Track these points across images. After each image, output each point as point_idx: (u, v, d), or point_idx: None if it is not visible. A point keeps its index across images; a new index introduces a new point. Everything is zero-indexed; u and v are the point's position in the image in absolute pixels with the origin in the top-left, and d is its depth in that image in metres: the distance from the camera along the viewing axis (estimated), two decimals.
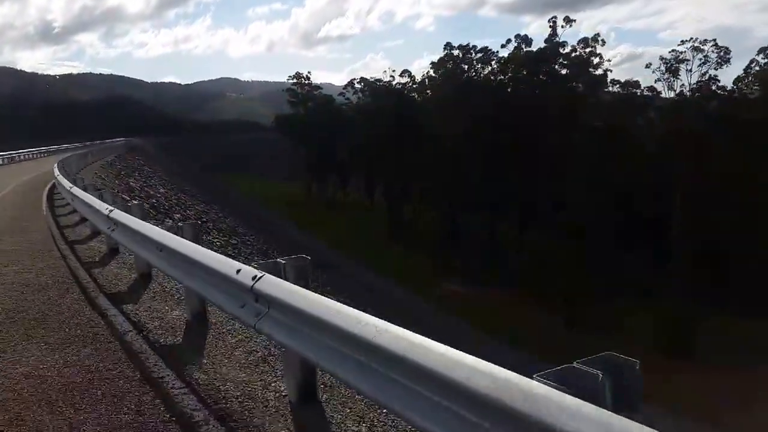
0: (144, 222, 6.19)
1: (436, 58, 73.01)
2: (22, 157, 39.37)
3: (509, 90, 62.33)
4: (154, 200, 28.32)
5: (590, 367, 1.77)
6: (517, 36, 64.90)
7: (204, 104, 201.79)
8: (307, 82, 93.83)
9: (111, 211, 6.70)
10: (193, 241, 5.09)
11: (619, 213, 49.93)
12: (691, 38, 52.08)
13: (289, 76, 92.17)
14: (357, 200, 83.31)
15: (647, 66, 53.59)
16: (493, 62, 64.85)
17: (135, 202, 8.20)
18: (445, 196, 61.25)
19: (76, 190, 9.45)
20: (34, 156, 42.27)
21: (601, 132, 52.75)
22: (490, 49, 62.96)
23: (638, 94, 57.62)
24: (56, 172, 15.44)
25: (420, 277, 49.75)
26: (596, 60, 55.33)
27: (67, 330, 5.24)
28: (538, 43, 61.84)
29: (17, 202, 15.89)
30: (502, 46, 65.71)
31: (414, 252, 56.35)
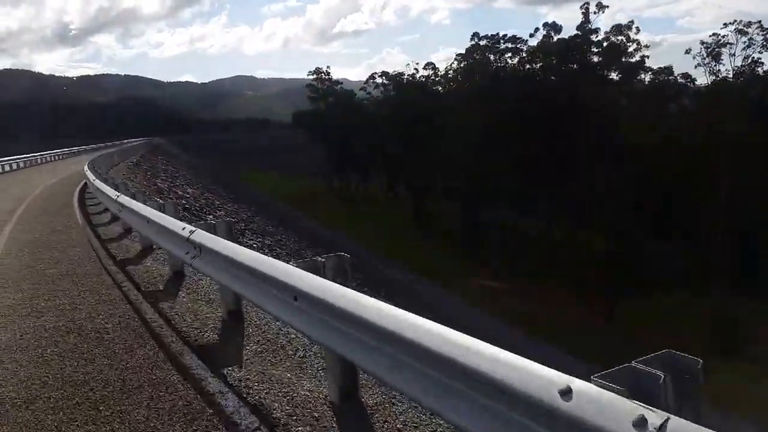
0: (237, 246, 4.62)
1: (452, 52, 71.72)
2: (40, 161, 38.23)
3: (538, 79, 60.16)
4: (184, 201, 27.25)
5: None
6: (546, 24, 62.81)
7: (221, 103, 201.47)
8: (327, 77, 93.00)
9: (192, 232, 5.13)
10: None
11: (656, 204, 47.87)
12: (735, 21, 49.40)
13: (309, 72, 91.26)
14: (379, 195, 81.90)
15: (687, 51, 51.10)
16: (522, 52, 62.75)
17: (213, 218, 6.62)
18: (471, 189, 59.51)
19: (143, 208, 7.72)
20: (54, 158, 41.21)
21: (635, 120, 50.56)
22: (520, 38, 60.73)
23: (672, 81, 55.28)
24: (91, 176, 13.98)
25: (449, 271, 48.15)
26: (632, 47, 52.94)
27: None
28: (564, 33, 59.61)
29: (48, 209, 14.52)
30: (531, 35, 63.61)
31: (441, 246, 54.76)
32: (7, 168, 30.91)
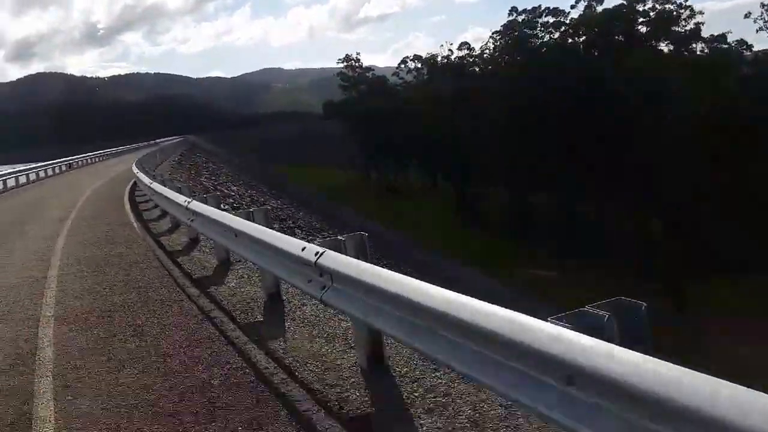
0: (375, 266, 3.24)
1: (481, 31, 69.57)
2: (80, 163, 37.69)
3: (581, 54, 57.34)
4: (231, 199, 26.52)
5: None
6: None
7: (251, 96, 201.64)
8: (357, 64, 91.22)
9: (319, 253, 3.75)
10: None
11: (716, 184, 44.99)
12: None
13: (339, 60, 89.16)
14: (418, 184, 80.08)
15: (746, 16, 47.88)
16: (562, 27, 59.92)
17: (318, 241, 5.37)
18: (517, 173, 57.28)
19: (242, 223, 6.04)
20: (94, 160, 40.71)
21: (689, 93, 47.62)
22: (561, 10, 57.92)
23: (729, 48, 51.98)
24: (146, 179, 12.73)
25: (498, 260, 46.30)
26: (686, 13, 49.81)
27: None
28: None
29: (100, 214, 13.42)
30: (572, 6, 60.67)
31: (487, 234, 52.91)
32: (50, 172, 30.33)
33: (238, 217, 5.97)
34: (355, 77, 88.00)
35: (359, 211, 60.46)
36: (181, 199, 7.92)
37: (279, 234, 4.93)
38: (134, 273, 7.47)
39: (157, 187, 10.22)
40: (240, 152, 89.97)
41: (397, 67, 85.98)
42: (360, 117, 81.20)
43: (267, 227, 5.49)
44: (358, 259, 3.70)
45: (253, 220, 5.85)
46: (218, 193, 25.20)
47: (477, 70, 72.80)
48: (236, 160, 70.42)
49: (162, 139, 61.71)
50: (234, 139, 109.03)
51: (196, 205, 7.23)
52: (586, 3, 57.34)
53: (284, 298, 5.96)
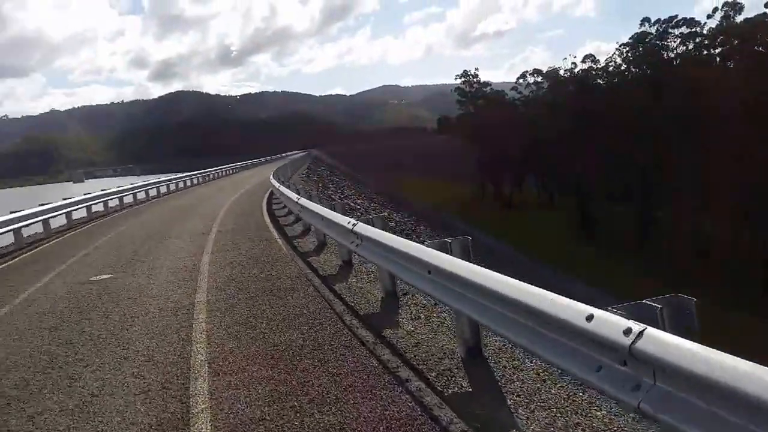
0: None
1: (599, 45, 65.38)
2: (212, 176, 39.10)
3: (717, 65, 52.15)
4: (358, 213, 25.99)
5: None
6: (726, 3, 54.47)
7: (369, 113, 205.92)
8: (475, 79, 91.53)
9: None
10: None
11: None
12: None
13: (456, 75, 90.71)
14: (536, 199, 76.57)
15: None
16: (697, 38, 54.99)
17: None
18: (644, 189, 52.73)
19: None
20: (227, 172, 42.18)
21: None
22: (697, 21, 53.24)
23: None
24: (292, 194, 11.91)
25: (630, 284, 42.00)
26: None
27: None
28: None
29: (242, 230, 12.89)
30: (709, 16, 55.76)
31: (612, 253, 48.51)
32: (188, 183, 31.48)
33: (430, 249, 4.65)
34: (472, 92, 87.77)
35: (473, 224, 58.43)
36: (343, 220, 6.79)
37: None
38: (291, 303, 6.40)
39: (311, 205, 9.17)
40: (357, 166, 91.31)
41: (516, 82, 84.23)
42: (476, 130, 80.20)
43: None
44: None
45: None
46: (345, 209, 24.66)
47: (601, 83, 68.68)
48: (355, 173, 71.17)
49: (288, 153, 63.67)
50: (352, 153, 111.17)
51: (363, 228, 6.03)
52: (722, 13, 52.14)
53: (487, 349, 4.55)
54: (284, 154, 59.71)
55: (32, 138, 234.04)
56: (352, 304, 6.26)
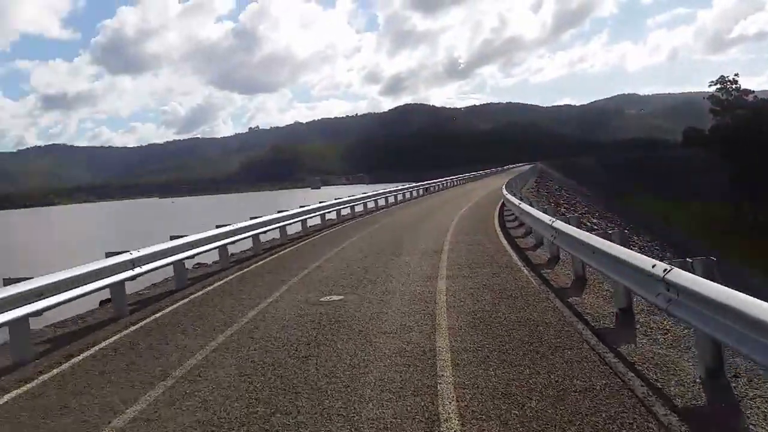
0: None
1: None
2: (437, 186, 38.92)
3: None
4: (594, 232, 23.10)
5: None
6: None
7: (601, 123, 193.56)
8: (734, 86, 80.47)
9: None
10: None
11: None
12: None
13: (711, 82, 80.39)
14: None
15: None
16: None
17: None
18: None
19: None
20: (453, 183, 41.83)
21: None
22: None
23: None
24: (574, 230, 10.17)
25: None
26: None
27: None
28: None
29: (476, 250, 11.54)
30: None
31: None
32: (422, 192, 31.72)
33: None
34: (730, 101, 76.67)
35: (726, 254, 49.73)
36: (645, 262, 4.88)
37: None
38: (561, 369, 4.67)
39: (583, 236, 7.25)
40: (585, 180, 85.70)
41: None
42: (733, 145, 69.58)
43: None
44: None
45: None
46: (584, 228, 22.11)
47: None
48: (584, 188, 66.41)
49: (512, 165, 61.87)
50: (579, 167, 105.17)
51: (683, 277, 4.09)
52: None
53: None
54: (509, 167, 57.91)
55: (277, 147, 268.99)
56: (660, 386, 4.32)
